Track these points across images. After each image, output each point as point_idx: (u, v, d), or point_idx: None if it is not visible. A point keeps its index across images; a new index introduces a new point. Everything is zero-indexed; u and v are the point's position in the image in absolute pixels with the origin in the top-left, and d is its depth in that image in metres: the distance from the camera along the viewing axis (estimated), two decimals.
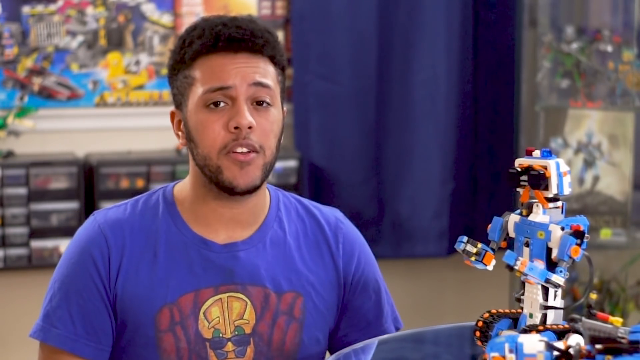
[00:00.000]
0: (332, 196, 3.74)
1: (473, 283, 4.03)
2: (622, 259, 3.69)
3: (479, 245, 1.55)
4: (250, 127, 1.76)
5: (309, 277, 1.88)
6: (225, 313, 1.82)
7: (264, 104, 1.79)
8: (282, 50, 1.85)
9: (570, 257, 1.50)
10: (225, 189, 1.80)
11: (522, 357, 1.37)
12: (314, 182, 3.75)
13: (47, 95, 3.64)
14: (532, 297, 1.53)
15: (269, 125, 1.79)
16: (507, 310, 1.59)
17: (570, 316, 1.41)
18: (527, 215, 1.56)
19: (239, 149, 1.76)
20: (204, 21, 1.83)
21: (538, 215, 1.53)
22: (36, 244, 3.49)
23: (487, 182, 3.91)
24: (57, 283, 1.84)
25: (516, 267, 1.51)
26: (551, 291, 1.52)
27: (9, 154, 3.56)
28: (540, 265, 1.52)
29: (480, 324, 1.58)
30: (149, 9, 3.69)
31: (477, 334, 1.58)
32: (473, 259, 1.55)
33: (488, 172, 3.90)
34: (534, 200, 1.55)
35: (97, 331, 1.81)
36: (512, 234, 1.57)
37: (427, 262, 3.97)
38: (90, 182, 3.52)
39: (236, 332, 1.83)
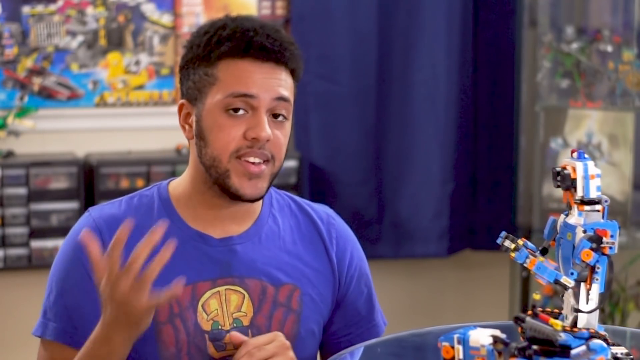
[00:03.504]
0: (332, 196, 3.74)
1: (473, 283, 4.04)
2: (622, 259, 3.69)
3: (520, 242, 1.55)
4: (267, 140, 1.78)
5: (305, 270, 1.90)
6: (223, 305, 1.84)
7: (281, 117, 1.82)
8: (302, 63, 1.88)
9: (583, 261, 1.49)
10: (230, 194, 1.81)
11: (467, 349, 1.40)
12: (314, 182, 3.75)
13: (47, 95, 3.64)
14: (568, 298, 1.54)
15: (283, 138, 1.82)
16: (555, 310, 1.60)
17: (515, 315, 1.42)
18: None
19: (252, 159, 1.79)
20: (232, 21, 1.83)
21: (573, 217, 1.54)
22: (36, 244, 3.49)
23: (487, 182, 3.91)
24: (53, 278, 1.86)
25: (525, 265, 1.52)
26: (582, 293, 1.52)
27: (9, 154, 3.56)
28: (551, 265, 1.52)
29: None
30: (149, 9, 3.69)
31: (520, 329, 1.60)
32: (513, 254, 1.55)
33: (488, 172, 3.90)
34: None
35: (94, 323, 1.81)
36: None
37: (427, 262, 3.97)
38: (90, 182, 3.52)
39: (234, 324, 1.84)
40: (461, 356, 1.42)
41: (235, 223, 1.87)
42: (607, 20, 3.68)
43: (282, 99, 1.81)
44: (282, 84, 1.82)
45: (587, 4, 3.77)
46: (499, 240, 1.55)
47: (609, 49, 3.60)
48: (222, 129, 1.78)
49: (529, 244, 1.56)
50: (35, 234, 3.49)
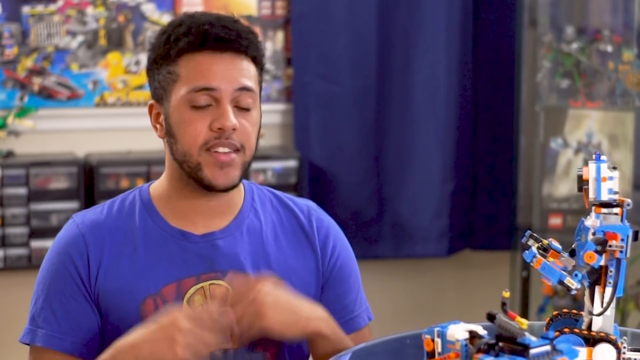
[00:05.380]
0: (332, 196, 3.74)
1: (473, 283, 4.03)
2: None
3: (545, 242, 1.56)
4: (233, 129, 1.80)
5: (289, 263, 1.92)
6: (208, 300, 1.85)
7: (246, 107, 1.84)
8: (263, 50, 1.89)
9: (587, 263, 1.49)
10: (204, 186, 1.84)
11: (445, 343, 1.46)
12: (314, 182, 3.75)
13: (47, 95, 3.64)
14: (586, 301, 1.54)
15: (250, 127, 1.84)
16: (581, 312, 1.60)
17: (488, 312, 1.43)
18: None
19: (221, 149, 1.81)
20: (188, 18, 1.86)
21: (590, 219, 1.54)
22: (36, 244, 3.49)
23: (487, 182, 3.91)
24: (40, 285, 1.88)
25: (532, 264, 1.53)
26: (597, 296, 1.52)
27: (9, 154, 3.56)
28: (557, 266, 1.52)
29: (548, 320, 1.62)
30: (149, 9, 3.69)
31: (545, 329, 1.62)
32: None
33: (488, 172, 3.90)
34: None
35: (82, 327, 1.84)
36: None
37: (427, 262, 3.97)
38: (90, 182, 3.52)
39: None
40: (440, 349, 1.47)
41: (216, 218, 1.89)
42: (607, 20, 3.68)
43: (245, 88, 1.83)
44: (244, 73, 1.83)
45: (587, 4, 3.77)
46: (523, 239, 1.57)
47: (609, 49, 3.60)
48: (189, 124, 1.81)
49: (554, 244, 1.56)
50: (35, 234, 3.49)
